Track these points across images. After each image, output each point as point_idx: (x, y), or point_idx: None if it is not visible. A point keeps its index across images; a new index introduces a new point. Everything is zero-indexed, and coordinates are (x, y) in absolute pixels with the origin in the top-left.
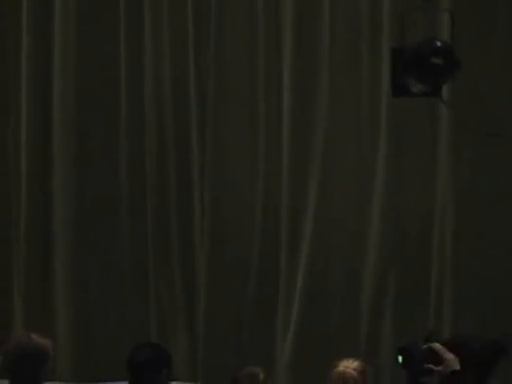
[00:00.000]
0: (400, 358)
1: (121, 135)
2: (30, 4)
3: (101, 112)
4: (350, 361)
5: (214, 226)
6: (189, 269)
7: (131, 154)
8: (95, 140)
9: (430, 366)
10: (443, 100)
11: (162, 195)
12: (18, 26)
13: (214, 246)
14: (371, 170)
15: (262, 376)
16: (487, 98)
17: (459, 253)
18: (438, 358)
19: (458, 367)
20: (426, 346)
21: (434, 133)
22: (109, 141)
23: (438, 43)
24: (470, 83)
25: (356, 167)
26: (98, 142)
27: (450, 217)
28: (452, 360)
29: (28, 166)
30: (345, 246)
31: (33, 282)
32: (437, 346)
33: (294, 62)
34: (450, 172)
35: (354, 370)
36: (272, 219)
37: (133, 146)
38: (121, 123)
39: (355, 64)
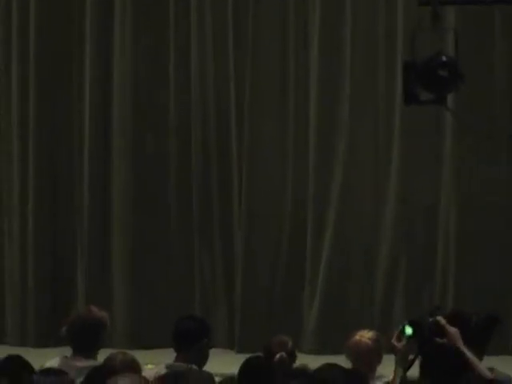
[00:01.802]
0: (409, 330)
1: (170, 132)
2: (92, 16)
3: (154, 112)
4: (366, 331)
5: (249, 209)
6: (228, 250)
7: (179, 151)
8: (149, 136)
9: (436, 338)
10: (448, 108)
11: (205, 186)
12: (82, 34)
13: (250, 230)
14: (386, 168)
15: (290, 344)
16: (487, 106)
17: (462, 238)
18: (442, 331)
19: (460, 340)
20: (431, 319)
21: (439, 136)
22: (160, 137)
23: (444, 58)
24: (472, 94)
25: (373, 163)
26: (151, 137)
27: (453, 206)
28: (455, 333)
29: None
30: (363, 232)
31: (94, 260)
32: (441, 320)
33: (320, 72)
34: (453, 170)
35: (369, 339)
36: (300, 209)
37: (181, 143)
38: (170, 122)
39: (373, 75)
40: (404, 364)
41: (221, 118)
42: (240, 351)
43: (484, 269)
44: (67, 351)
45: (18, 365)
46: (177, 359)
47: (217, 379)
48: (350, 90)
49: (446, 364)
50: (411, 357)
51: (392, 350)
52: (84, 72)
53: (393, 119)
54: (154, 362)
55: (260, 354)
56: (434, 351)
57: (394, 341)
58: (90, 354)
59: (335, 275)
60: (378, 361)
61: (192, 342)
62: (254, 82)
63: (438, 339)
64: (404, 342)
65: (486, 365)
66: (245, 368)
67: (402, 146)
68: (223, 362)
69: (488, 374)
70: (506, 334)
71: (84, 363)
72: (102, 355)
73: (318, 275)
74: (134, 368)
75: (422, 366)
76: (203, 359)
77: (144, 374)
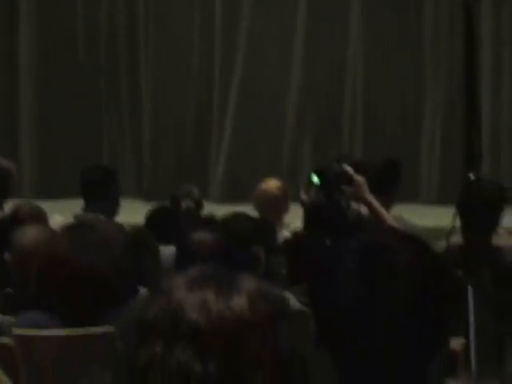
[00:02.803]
0: (315, 178)
1: None
2: None
3: None
4: (273, 180)
5: (157, 63)
6: (137, 104)
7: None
8: None
9: (342, 186)
10: None
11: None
12: None
13: (157, 86)
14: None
15: (197, 192)
16: None
17: (369, 91)
18: (349, 180)
19: (366, 189)
20: (338, 167)
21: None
22: None
23: None
24: None
25: (279, 16)
26: None
27: (360, 60)
28: (361, 181)
29: None
30: (271, 83)
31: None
32: (348, 168)
33: None
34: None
35: (276, 188)
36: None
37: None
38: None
39: None
40: None
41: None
42: (148, 200)
43: (390, 125)
44: None
45: None
46: (85, 209)
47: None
48: None
49: (337, 214)
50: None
51: (300, 203)
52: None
53: None
54: (62, 213)
55: (167, 203)
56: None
57: (301, 193)
58: None
59: (243, 127)
60: (285, 210)
61: (100, 191)
62: None
63: (344, 187)
64: (312, 193)
65: (396, 213)
66: (151, 217)
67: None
68: (131, 211)
69: (394, 223)
70: (416, 182)
71: None
72: (10, 206)
73: (227, 126)
74: (40, 218)
75: (306, 220)
76: (112, 209)
77: (51, 224)
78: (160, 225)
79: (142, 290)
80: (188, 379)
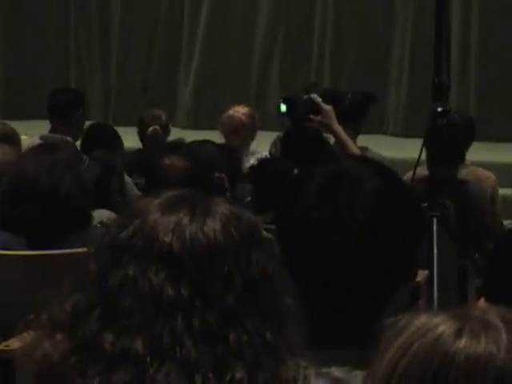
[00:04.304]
0: (283, 107)
1: None
2: None
3: None
4: (240, 106)
5: None
6: (105, 28)
7: None
8: None
9: (310, 115)
10: None
11: None
12: None
13: (127, 10)
14: None
15: (164, 117)
16: None
17: (339, 19)
18: (317, 109)
19: (334, 118)
20: (306, 96)
21: None
22: None
23: None
24: None
25: None
26: None
27: None
28: (329, 111)
29: None
30: (241, 7)
31: None
32: (316, 97)
33: None
34: None
35: (243, 114)
36: None
37: None
38: None
39: None
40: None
41: None
42: (115, 124)
43: (361, 53)
44: None
45: None
46: (51, 131)
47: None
48: None
49: (305, 142)
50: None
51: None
52: None
53: None
54: (29, 133)
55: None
56: (296, 132)
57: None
58: None
59: (210, 51)
60: (252, 137)
61: (67, 113)
62: None
63: (312, 116)
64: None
65: (362, 143)
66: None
67: None
68: None
69: (359, 153)
70: (382, 114)
71: None
72: None
73: (194, 56)
74: (13, 138)
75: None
76: (78, 131)
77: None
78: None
79: (109, 213)
80: (160, 302)
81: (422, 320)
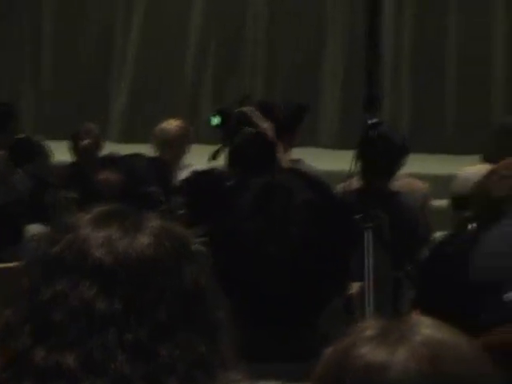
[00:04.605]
0: (216, 120)
1: None
2: None
3: None
4: (173, 120)
5: None
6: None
7: None
8: None
9: (243, 127)
10: None
11: None
12: None
13: None
14: None
15: (96, 131)
16: None
17: (270, 34)
18: (250, 122)
19: (273, 134)
20: (239, 109)
21: None
22: None
23: None
24: None
25: None
26: None
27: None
28: (267, 128)
29: None
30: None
31: None
32: (254, 112)
33: None
34: None
35: (176, 126)
36: None
37: None
38: None
39: None
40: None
41: None
42: (48, 138)
43: (291, 65)
44: None
45: None
46: None
47: None
48: None
49: (254, 152)
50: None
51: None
52: None
53: None
54: None
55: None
56: (243, 140)
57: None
58: None
59: (144, 65)
60: (185, 150)
61: None
62: None
63: (247, 128)
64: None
65: (296, 156)
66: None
67: None
68: None
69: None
70: (315, 126)
71: None
72: None
73: (127, 69)
74: None
75: (230, 155)
76: (9, 142)
77: None
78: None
79: (43, 227)
80: (92, 316)
81: (360, 326)
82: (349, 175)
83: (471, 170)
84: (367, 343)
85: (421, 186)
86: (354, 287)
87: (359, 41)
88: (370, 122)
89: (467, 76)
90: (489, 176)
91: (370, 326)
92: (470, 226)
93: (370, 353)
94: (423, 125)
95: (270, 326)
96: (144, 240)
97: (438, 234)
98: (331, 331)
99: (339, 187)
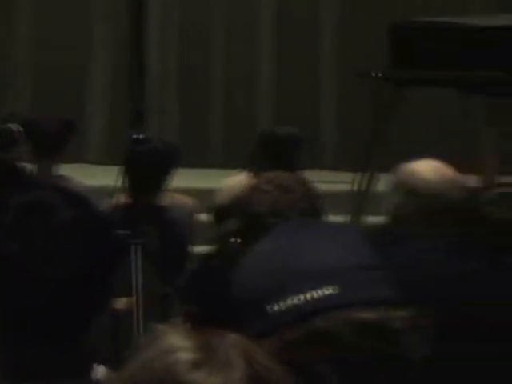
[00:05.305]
0: None
1: None
2: None
3: None
4: None
5: None
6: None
7: None
8: None
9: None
10: None
11: None
12: None
13: None
14: None
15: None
16: None
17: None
18: (14, 139)
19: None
20: (3, 126)
21: None
22: None
23: None
24: None
25: None
26: None
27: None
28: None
29: None
30: None
31: None
32: (15, 127)
33: None
34: None
35: None
36: None
37: None
38: None
39: None
40: None
41: None
42: None
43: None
44: None
45: None
46: None
47: None
48: None
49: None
50: None
51: None
52: None
53: None
54: None
55: None
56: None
57: None
58: None
59: None
60: None
61: None
62: None
63: (12, 147)
64: None
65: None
66: None
67: None
68: None
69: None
70: (82, 141)
71: None
72: None
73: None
74: None
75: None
76: None
77: None
78: None
79: None
80: None
81: (168, 340)
82: (116, 191)
83: (234, 180)
84: (191, 366)
85: (188, 200)
86: (122, 303)
87: (127, 54)
88: (135, 136)
89: (232, 91)
90: (250, 190)
91: (187, 345)
92: (232, 240)
93: (202, 379)
94: (190, 140)
95: (37, 343)
96: None
97: (201, 249)
98: (98, 346)
99: (107, 203)
